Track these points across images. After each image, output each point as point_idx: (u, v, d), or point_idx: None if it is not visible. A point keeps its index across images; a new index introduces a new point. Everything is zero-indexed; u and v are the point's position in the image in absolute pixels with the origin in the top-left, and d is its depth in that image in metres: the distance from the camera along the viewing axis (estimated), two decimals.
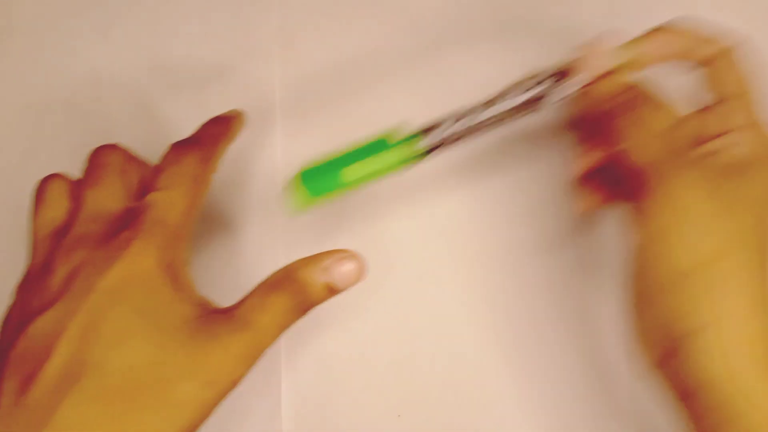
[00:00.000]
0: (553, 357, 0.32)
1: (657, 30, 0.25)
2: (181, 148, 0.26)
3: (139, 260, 0.22)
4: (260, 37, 0.35)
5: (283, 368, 0.32)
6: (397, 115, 0.33)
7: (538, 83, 0.25)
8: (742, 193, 0.22)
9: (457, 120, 0.25)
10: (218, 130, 0.27)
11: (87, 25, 0.35)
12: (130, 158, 0.26)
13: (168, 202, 0.24)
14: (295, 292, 0.23)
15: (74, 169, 0.34)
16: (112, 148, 0.26)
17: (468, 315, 0.32)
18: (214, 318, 0.23)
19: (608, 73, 0.25)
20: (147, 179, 0.25)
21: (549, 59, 0.27)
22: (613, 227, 0.31)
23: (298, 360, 0.32)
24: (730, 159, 0.23)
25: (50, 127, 0.34)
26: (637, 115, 0.24)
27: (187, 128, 0.28)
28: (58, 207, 0.25)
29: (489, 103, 0.26)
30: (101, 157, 0.26)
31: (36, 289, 0.23)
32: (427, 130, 0.26)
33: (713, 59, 0.24)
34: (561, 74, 0.25)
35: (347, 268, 0.24)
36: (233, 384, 0.23)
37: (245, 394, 0.29)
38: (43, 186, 0.26)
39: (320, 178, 0.25)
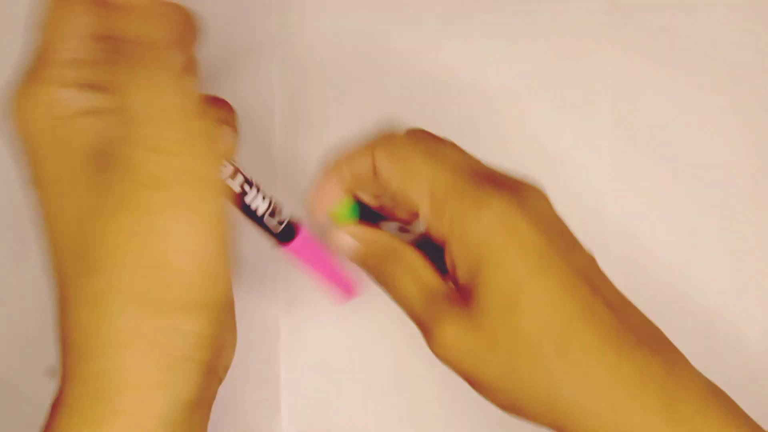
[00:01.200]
0: None
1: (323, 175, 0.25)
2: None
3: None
4: (260, 36, 0.35)
5: (282, 368, 0.32)
6: (397, 112, 0.33)
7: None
8: (487, 306, 0.21)
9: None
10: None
11: None
12: None
13: None
14: None
15: None
16: None
17: None
18: None
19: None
20: None
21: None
22: None
23: (298, 360, 0.32)
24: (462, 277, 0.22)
25: None
26: (386, 273, 0.24)
27: None
28: None
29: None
30: None
31: None
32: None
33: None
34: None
35: None
36: None
37: (245, 393, 0.29)
38: None
39: None
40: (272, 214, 0.26)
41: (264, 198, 0.26)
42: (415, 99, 0.33)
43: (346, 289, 0.29)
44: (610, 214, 0.32)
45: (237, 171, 0.26)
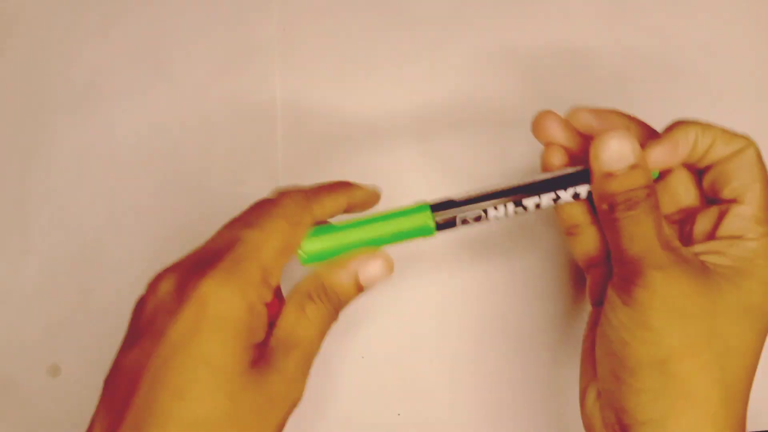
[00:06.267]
0: (551, 360, 0.32)
1: (672, 132, 0.24)
2: (284, 191, 0.25)
3: (211, 303, 0.21)
4: (260, 36, 0.35)
5: None
6: (397, 116, 0.33)
7: (561, 185, 0.25)
8: (720, 299, 0.23)
9: (477, 203, 0.25)
10: (333, 185, 0.26)
11: (87, 26, 0.35)
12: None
13: (258, 240, 0.23)
14: (328, 300, 0.24)
15: (74, 171, 0.34)
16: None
17: (468, 314, 0.32)
18: (265, 350, 0.23)
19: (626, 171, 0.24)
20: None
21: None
22: None
23: None
24: (715, 264, 0.23)
25: (51, 129, 0.34)
26: (638, 214, 0.23)
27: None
28: None
29: (514, 194, 0.25)
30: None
31: (133, 317, 0.23)
32: (444, 206, 0.25)
33: (725, 159, 0.24)
34: (579, 175, 0.25)
35: (374, 268, 0.25)
36: (296, 402, 0.23)
37: None
38: None
39: (328, 234, 0.25)
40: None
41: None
42: (414, 98, 0.34)
43: None
44: None
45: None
